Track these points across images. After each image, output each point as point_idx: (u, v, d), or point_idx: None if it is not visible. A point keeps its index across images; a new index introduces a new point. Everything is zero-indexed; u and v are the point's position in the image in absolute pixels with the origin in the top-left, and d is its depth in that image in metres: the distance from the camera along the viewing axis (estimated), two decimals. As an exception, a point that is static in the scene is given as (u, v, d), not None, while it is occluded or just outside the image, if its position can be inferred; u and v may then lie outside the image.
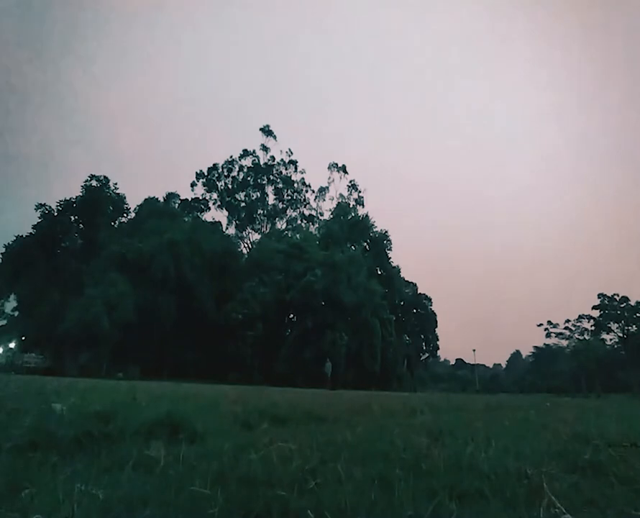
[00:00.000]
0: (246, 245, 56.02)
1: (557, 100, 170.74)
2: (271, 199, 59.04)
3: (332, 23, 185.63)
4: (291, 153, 60.68)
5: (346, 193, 61.61)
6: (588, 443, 3.60)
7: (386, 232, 55.88)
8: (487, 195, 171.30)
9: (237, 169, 58.18)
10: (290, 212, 60.16)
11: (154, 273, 35.81)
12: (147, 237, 37.81)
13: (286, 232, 56.02)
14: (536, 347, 73.30)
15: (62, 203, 39.04)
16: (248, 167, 58.40)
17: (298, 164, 60.69)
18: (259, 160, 59.22)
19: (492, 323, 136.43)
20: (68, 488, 1.91)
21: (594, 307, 56.90)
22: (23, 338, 36.59)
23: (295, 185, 60.08)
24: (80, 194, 39.98)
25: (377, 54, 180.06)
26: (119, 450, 2.76)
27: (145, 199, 46.47)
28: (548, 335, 61.18)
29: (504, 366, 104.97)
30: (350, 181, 61.81)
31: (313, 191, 61.65)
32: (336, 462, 2.57)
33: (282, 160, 60.19)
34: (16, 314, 38.62)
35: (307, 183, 61.06)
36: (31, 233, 37.28)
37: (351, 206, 59.14)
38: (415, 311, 58.55)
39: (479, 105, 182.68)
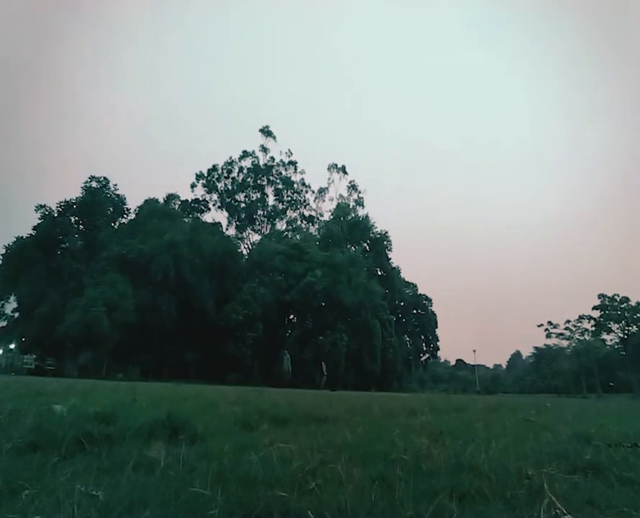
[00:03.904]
0: (246, 246, 56.05)
1: (560, 100, 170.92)
2: (271, 200, 59.13)
3: (332, 23, 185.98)
4: (291, 154, 60.76)
5: (346, 194, 61.68)
6: (589, 444, 3.60)
7: (386, 232, 56.03)
8: (487, 195, 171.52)
9: (237, 170, 58.25)
10: (290, 213, 60.21)
11: (154, 274, 35.82)
12: (147, 238, 37.83)
13: (286, 232, 56.05)
14: (536, 348, 73.39)
15: (62, 204, 39.08)
16: (248, 168, 58.43)
17: (297, 165, 60.78)
18: (258, 161, 59.29)
19: (492, 323, 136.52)
20: (68, 489, 1.90)
21: (594, 307, 56.88)
22: (23, 339, 36.57)
23: (295, 185, 60.09)
24: (80, 195, 40.04)
25: (378, 54, 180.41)
26: (119, 451, 2.76)
27: (145, 200, 46.54)
28: (548, 336, 61.17)
29: (504, 367, 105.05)
30: (350, 182, 61.89)
31: (313, 192, 61.71)
32: (337, 462, 2.56)
33: (281, 160, 60.28)
34: (16, 315, 38.62)
35: (307, 184, 61.13)
36: (31, 234, 37.30)
37: (351, 206, 59.16)
38: (415, 311, 58.58)
39: (479, 105, 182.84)
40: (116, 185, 42.49)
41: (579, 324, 58.42)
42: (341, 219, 54.55)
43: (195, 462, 2.56)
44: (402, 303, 57.05)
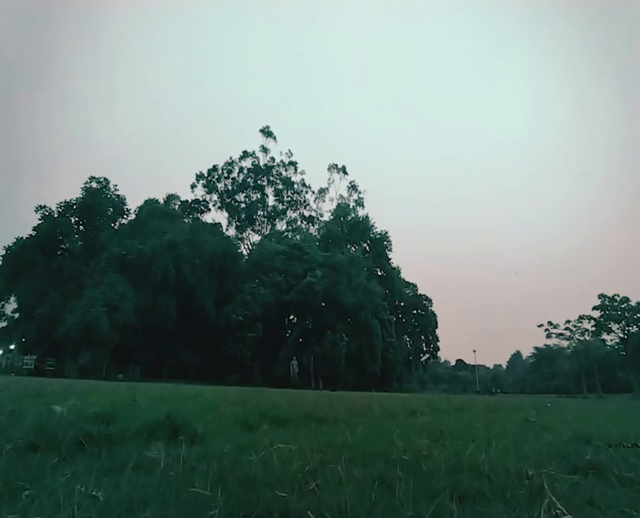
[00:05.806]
0: (246, 246, 56.07)
1: (557, 100, 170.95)
2: (271, 200, 59.14)
3: (332, 24, 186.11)
4: (291, 154, 60.77)
5: (346, 194, 61.67)
6: (589, 444, 3.60)
7: (386, 232, 56.01)
8: (487, 195, 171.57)
9: (237, 170, 58.24)
10: (290, 213, 60.22)
11: (154, 275, 35.80)
12: (147, 239, 37.81)
13: (286, 233, 56.00)
14: (536, 348, 73.17)
15: (62, 204, 39.01)
16: (248, 169, 58.42)
17: (297, 165, 60.78)
18: (259, 161, 59.30)
19: (492, 324, 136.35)
20: (68, 489, 1.90)
21: (594, 308, 56.87)
22: (23, 340, 36.55)
23: (295, 186, 60.08)
24: (80, 196, 39.97)
25: (378, 55, 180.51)
26: (119, 452, 2.75)
27: (145, 201, 46.53)
28: (548, 336, 61.13)
29: (504, 367, 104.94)
30: (350, 182, 61.86)
31: (313, 192, 61.71)
32: (337, 463, 2.56)
33: (281, 161, 60.30)
34: (16, 315, 38.58)
35: (307, 184, 61.13)
36: (31, 235, 37.22)
37: (351, 207, 59.14)
38: (415, 312, 58.49)
39: (480, 107, 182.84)
40: (116, 185, 42.47)
41: (579, 324, 58.43)
42: (341, 219, 54.54)
43: (196, 462, 2.56)
44: (402, 304, 56.98)
